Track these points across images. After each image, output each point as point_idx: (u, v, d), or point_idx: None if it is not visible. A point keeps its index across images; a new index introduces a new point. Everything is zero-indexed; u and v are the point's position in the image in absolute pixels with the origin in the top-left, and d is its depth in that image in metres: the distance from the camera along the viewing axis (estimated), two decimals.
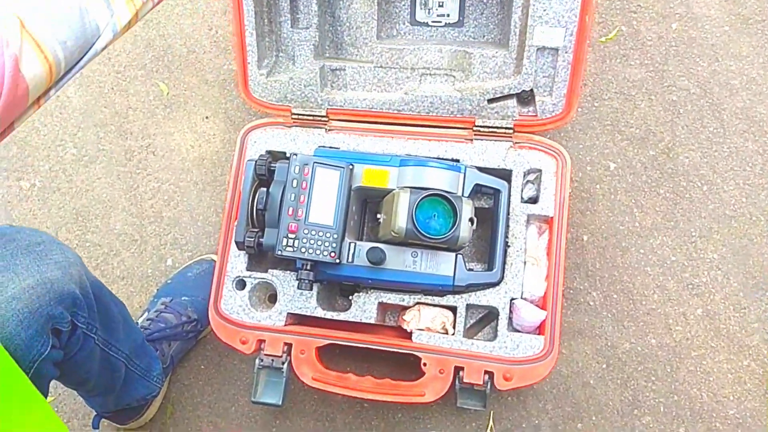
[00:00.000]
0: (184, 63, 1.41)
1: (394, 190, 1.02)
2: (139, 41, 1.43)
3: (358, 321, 1.06)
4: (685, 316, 1.17)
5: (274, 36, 1.16)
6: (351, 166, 1.04)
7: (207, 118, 1.37)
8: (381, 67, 1.14)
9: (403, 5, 1.18)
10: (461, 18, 1.17)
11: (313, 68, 1.13)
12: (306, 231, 1.00)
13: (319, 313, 1.08)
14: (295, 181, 1.01)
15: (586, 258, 1.21)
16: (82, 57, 0.68)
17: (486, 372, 1.01)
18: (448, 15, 1.17)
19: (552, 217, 1.05)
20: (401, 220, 0.97)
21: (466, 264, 1.03)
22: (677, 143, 1.23)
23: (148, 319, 1.20)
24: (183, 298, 1.23)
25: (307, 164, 1.01)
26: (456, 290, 1.03)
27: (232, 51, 1.37)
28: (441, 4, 1.18)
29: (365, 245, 1.03)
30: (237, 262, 1.10)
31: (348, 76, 1.15)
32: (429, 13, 1.18)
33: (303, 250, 1.00)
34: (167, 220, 1.34)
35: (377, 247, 1.01)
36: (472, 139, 1.09)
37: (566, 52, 1.07)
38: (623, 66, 1.26)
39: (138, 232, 1.34)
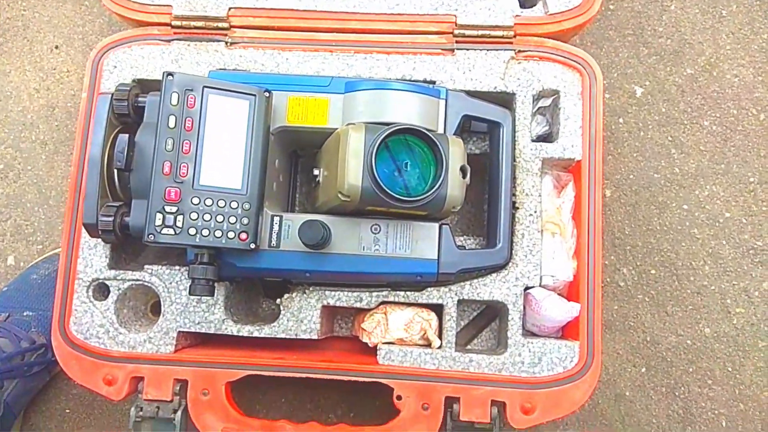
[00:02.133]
0: None
1: (338, 129, 0.64)
2: None
3: (292, 337, 0.68)
4: (747, 293, 0.85)
5: None
6: (267, 93, 0.65)
7: (57, 48, 0.94)
8: None
9: None
10: None
11: None
12: (196, 200, 0.61)
13: (230, 328, 0.69)
14: (173, 119, 0.61)
15: (611, 221, 0.86)
16: None
17: (494, 402, 0.66)
18: None
19: (580, 161, 0.69)
20: (353, 175, 0.59)
21: (455, 239, 0.67)
22: (722, 57, 0.90)
23: None
24: (25, 314, 0.82)
25: (192, 90, 0.61)
26: (442, 280, 0.67)
27: None
28: None
29: (297, 218, 0.65)
30: (93, 257, 0.70)
31: None
32: None
33: (192, 231, 0.60)
34: (5, 199, 0.91)
35: (316, 221, 0.63)
36: (453, 49, 0.72)
37: None
38: None
39: None
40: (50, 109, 0.92)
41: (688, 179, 0.87)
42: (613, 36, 0.90)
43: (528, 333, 0.71)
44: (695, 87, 0.89)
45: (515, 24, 0.71)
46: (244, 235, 0.62)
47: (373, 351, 0.69)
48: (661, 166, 0.87)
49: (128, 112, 0.66)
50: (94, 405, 0.86)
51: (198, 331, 0.69)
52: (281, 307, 0.69)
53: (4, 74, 0.94)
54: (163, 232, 0.59)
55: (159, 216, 0.59)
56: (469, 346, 0.76)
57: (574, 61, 0.70)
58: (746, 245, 0.86)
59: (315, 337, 0.68)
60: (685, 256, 0.86)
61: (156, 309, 0.75)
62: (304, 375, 0.68)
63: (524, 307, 0.69)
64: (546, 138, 0.74)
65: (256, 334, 0.68)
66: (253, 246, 0.63)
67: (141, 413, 0.68)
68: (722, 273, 0.85)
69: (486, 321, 0.78)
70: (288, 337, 0.68)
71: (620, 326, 0.85)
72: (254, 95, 0.64)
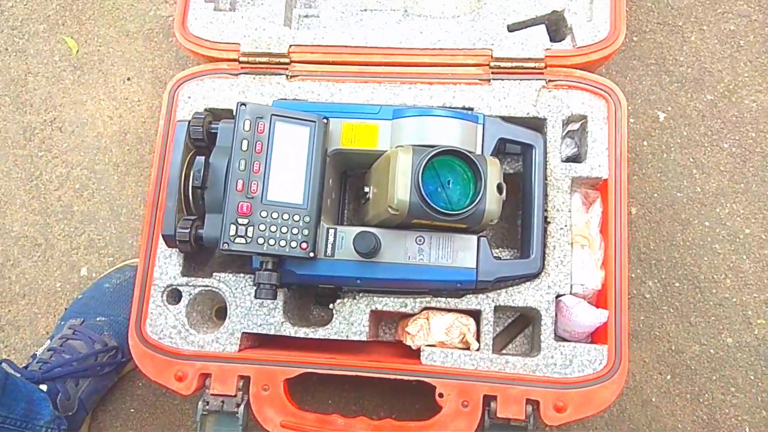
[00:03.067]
0: (97, 11, 1.08)
1: (387, 151, 0.72)
2: None
3: (343, 338, 0.76)
4: (767, 305, 0.90)
5: None
6: (325, 120, 0.73)
7: (129, 79, 1.05)
8: (366, 10, 0.85)
9: None
10: None
11: (277, 5, 0.83)
12: (264, 213, 0.69)
13: (288, 330, 0.76)
14: (245, 142, 0.69)
15: (636, 237, 0.92)
16: None
17: (528, 401, 0.72)
18: None
19: (606, 180, 0.76)
20: (402, 191, 0.67)
21: (492, 251, 0.74)
22: (740, 84, 0.96)
23: (49, 350, 0.87)
24: (98, 319, 0.90)
25: (262, 118, 0.70)
26: (480, 287, 0.74)
27: None
28: None
29: (349, 230, 0.73)
30: (168, 266, 0.78)
31: (321, 23, 0.86)
32: None
33: (260, 240, 0.68)
34: (80, 216, 1.01)
35: (369, 232, 0.70)
36: (489, 79, 0.80)
37: None
38: None
39: (42, 233, 1.01)
40: (122, 135, 1.02)
41: (710, 198, 0.93)
42: (636, 65, 0.97)
43: (559, 338, 0.77)
44: (715, 112, 0.95)
45: (546, 56, 0.78)
46: (304, 245, 0.70)
47: (415, 353, 0.76)
48: (683, 186, 0.93)
49: (202, 137, 0.75)
50: (157, 405, 0.93)
51: (260, 332, 0.76)
52: (334, 312, 0.76)
53: (81, 103, 1.05)
54: (236, 241, 0.67)
55: (233, 227, 0.67)
56: (505, 351, 0.83)
57: (600, 89, 0.78)
58: (766, 260, 0.91)
59: (364, 338, 0.75)
60: (707, 270, 0.91)
61: (220, 314, 0.83)
62: (354, 373, 0.75)
63: (556, 314, 0.75)
64: (575, 159, 0.80)
65: (311, 335, 0.76)
66: (312, 255, 0.70)
67: (207, 407, 0.75)
68: (743, 286, 0.90)
69: (519, 328, 0.84)
70: (339, 338, 0.75)
71: (646, 336, 0.90)
72: (314, 122, 0.72)
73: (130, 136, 1.02)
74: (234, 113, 0.70)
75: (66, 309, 0.95)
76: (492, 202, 0.69)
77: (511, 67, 0.79)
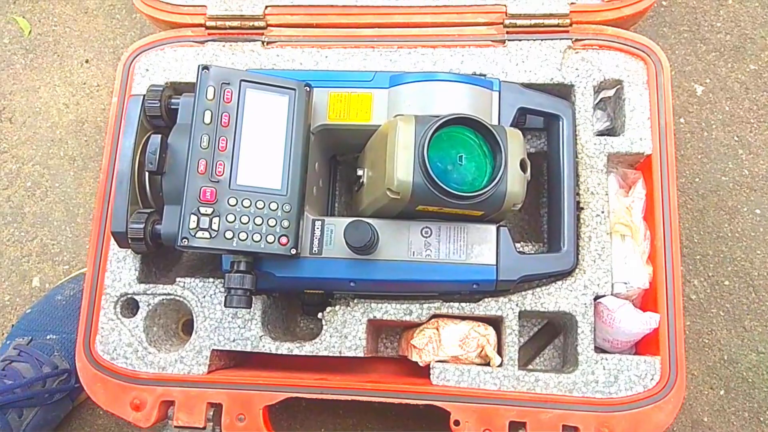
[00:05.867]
0: None
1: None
2: None
3: (336, 355, 0.62)
4: None
5: None
6: (308, 88, 0.60)
7: (87, 62, 0.92)
8: None
9: None
10: None
11: None
12: (233, 201, 0.55)
13: (268, 346, 0.63)
14: (209, 114, 0.56)
15: None
16: None
17: (565, 428, 0.58)
18: None
19: (650, 156, 0.63)
20: (403, 169, 0.54)
21: (515, 243, 0.60)
22: None
23: None
24: (48, 337, 0.76)
25: (229, 84, 0.57)
26: (501, 288, 0.60)
27: None
28: None
29: (340, 222, 0.59)
30: (122, 271, 0.65)
31: None
32: None
33: (229, 235, 0.55)
34: (31, 217, 0.87)
35: (363, 221, 0.57)
36: (504, 41, 0.67)
37: None
38: None
39: None
40: (79, 124, 0.89)
41: (759, 181, 0.80)
42: (667, 33, 0.85)
43: (598, 350, 0.63)
44: (760, 84, 0.83)
45: (571, 12, 0.66)
46: (284, 239, 0.56)
47: (424, 371, 0.63)
48: (728, 168, 0.80)
49: (161, 114, 0.62)
50: None
51: (233, 349, 0.62)
52: (323, 322, 0.63)
53: (33, 90, 0.91)
54: (197, 235, 0.54)
55: (193, 218, 0.54)
56: (532, 366, 0.69)
57: (637, 48, 0.65)
58: None
59: (360, 354, 0.62)
60: (761, 265, 0.78)
61: (188, 328, 0.69)
62: (349, 398, 0.61)
63: (594, 320, 0.61)
64: (608, 133, 0.67)
65: (296, 351, 0.62)
66: (293, 251, 0.57)
67: None
68: None
69: (546, 339, 0.71)
70: (331, 354, 0.62)
71: (694, 344, 0.76)
72: (294, 89, 0.59)
73: (88, 125, 0.89)
74: (196, 80, 0.57)
75: (13, 326, 0.81)
76: (514, 182, 0.55)
77: (530, 25, 0.66)
